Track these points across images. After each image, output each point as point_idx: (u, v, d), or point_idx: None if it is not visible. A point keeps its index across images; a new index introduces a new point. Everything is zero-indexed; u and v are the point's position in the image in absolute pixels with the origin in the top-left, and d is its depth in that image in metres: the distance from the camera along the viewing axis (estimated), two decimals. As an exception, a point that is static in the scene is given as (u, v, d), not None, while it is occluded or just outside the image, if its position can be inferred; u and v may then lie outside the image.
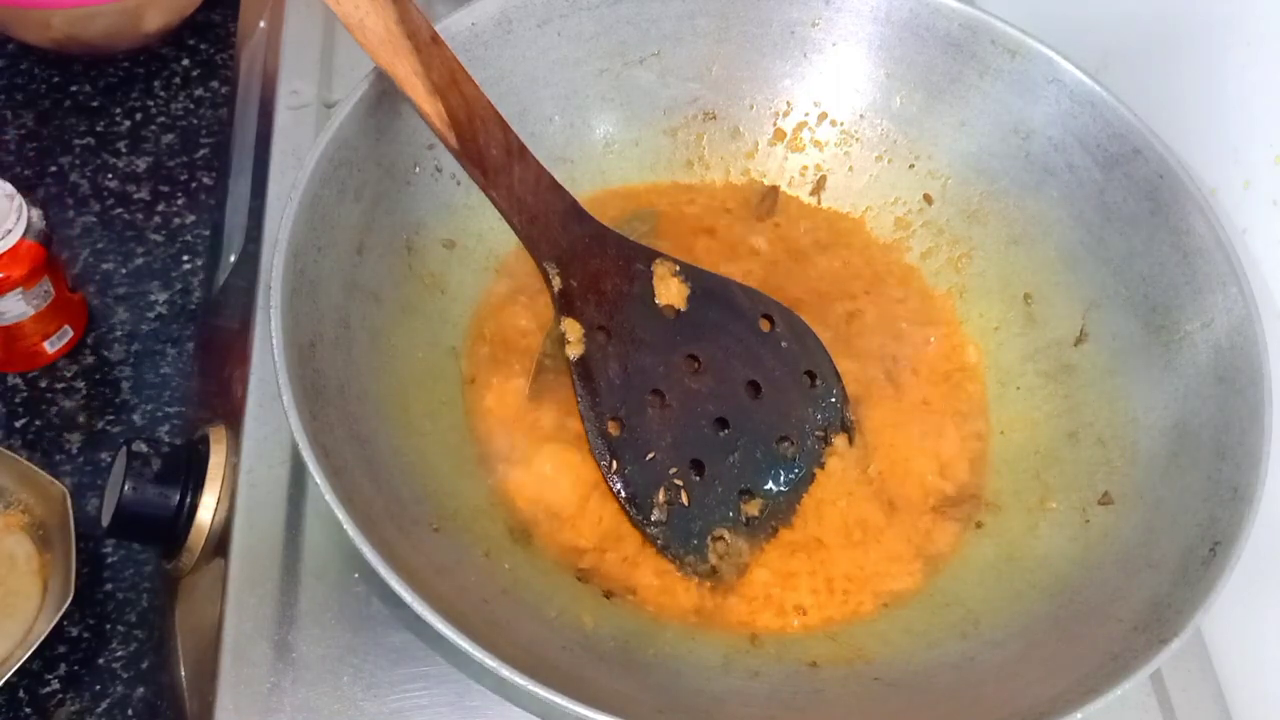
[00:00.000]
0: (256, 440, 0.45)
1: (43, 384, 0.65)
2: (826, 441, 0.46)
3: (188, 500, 0.44)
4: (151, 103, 0.77)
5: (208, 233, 0.71)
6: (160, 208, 0.72)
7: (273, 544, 0.43)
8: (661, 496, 0.44)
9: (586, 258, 0.45)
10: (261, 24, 0.67)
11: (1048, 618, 0.42)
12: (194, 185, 0.74)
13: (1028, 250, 0.51)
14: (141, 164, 0.74)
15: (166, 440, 0.62)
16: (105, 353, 0.66)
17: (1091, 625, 0.40)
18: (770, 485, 0.45)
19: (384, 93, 0.43)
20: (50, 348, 0.64)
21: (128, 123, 0.76)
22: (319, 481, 0.35)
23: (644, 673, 0.39)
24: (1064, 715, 0.35)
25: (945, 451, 0.48)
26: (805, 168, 0.54)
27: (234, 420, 0.46)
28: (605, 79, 0.51)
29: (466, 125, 0.42)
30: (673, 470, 0.44)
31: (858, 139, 0.53)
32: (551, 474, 0.44)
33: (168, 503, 0.44)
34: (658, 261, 0.46)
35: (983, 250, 0.52)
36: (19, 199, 0.58)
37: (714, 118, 0.53)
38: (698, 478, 0.44)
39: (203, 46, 0.80)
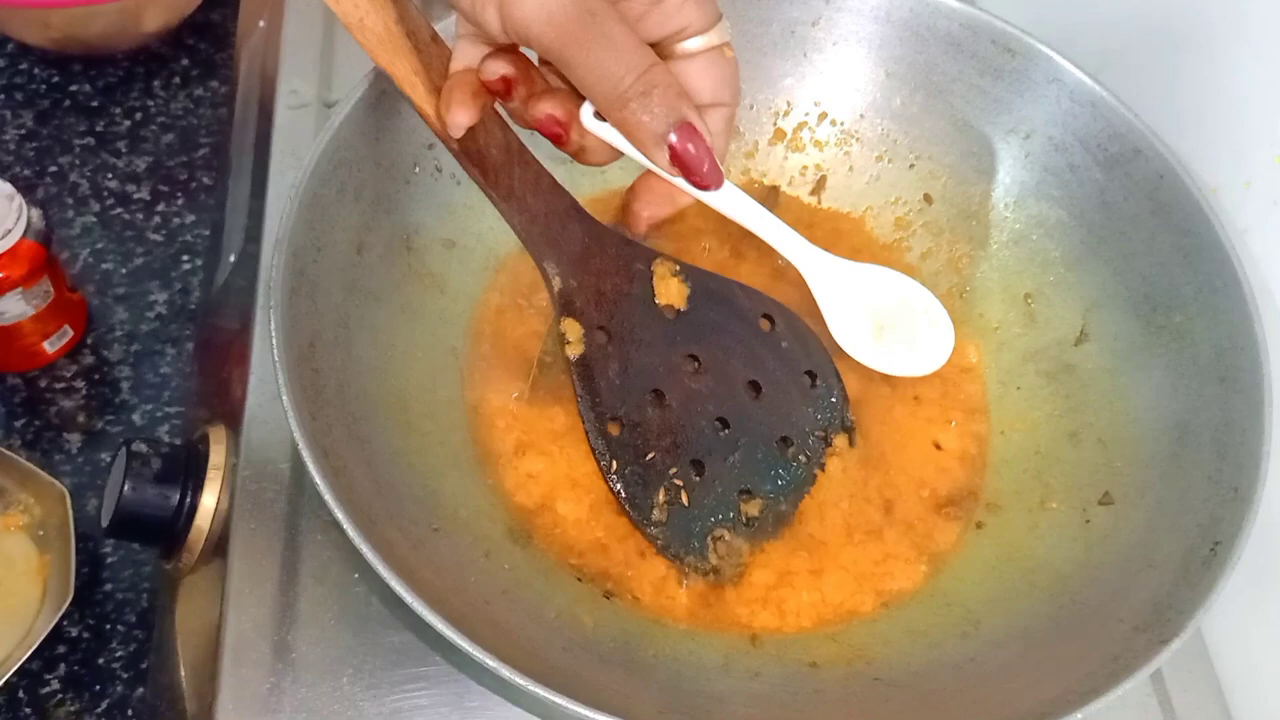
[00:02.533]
0: (256, 440, 0.45)
1: (42, 384, 0.65)
2: (827, 442, 0.46)
3: (187, 500, 0.44)
4: (151, 102, 0.77)
5: (207, 233, 0.71)
6: (160, 208, 0.72)
7: (273, 544, 0.43)
8: (661, 497, 0.44)
9: (586, 258, 0.45)
10: (261, 24, 0.66)
11: (1048, 618, 0.42)
12: (194, 185, 0.74)
13: (1028, 250, 0.51)
14: (141, 164, 0.74)
15: (166, 440, 0.61)
16: (105, 353, 0.66)
17: (1092, 625, 0.40)
18: (770, 486, 0.45)
19: (384, 93, 0.43)
20: (50, 348, 0.64)
21: (127, 122, 0.76)
22: (319, 481, 0.35)
23: (644, 673, 0.39)
24: (1064, 715, 0.35)
25: (946, 452, 0.48)
26: (805, 167, 0.54)
27: (234, 420, 0.46)
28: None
29: (466, 125, 0.42)
30: (673, 470, 0.44)
31: (858, 139, 0.53)
32: (551, 474, 0.44)
33: (167, 503, 0.44)
34: (658, 261, 0.46)
35: (983, 250, 0.52)
36: (19, 199, 0.58)
37: (714, 117, 0.53)
38: (698, 478, 0.44)
39: (202, 46, 0.80)
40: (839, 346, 0.47)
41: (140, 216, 0.72)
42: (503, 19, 0.35)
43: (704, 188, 0.39)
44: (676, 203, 0.42)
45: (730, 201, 0.42)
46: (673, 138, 0.36)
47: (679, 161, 0.37)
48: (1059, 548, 0.44)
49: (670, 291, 0.46)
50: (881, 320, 0.44)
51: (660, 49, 0.37)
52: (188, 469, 0.45)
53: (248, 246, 0.55)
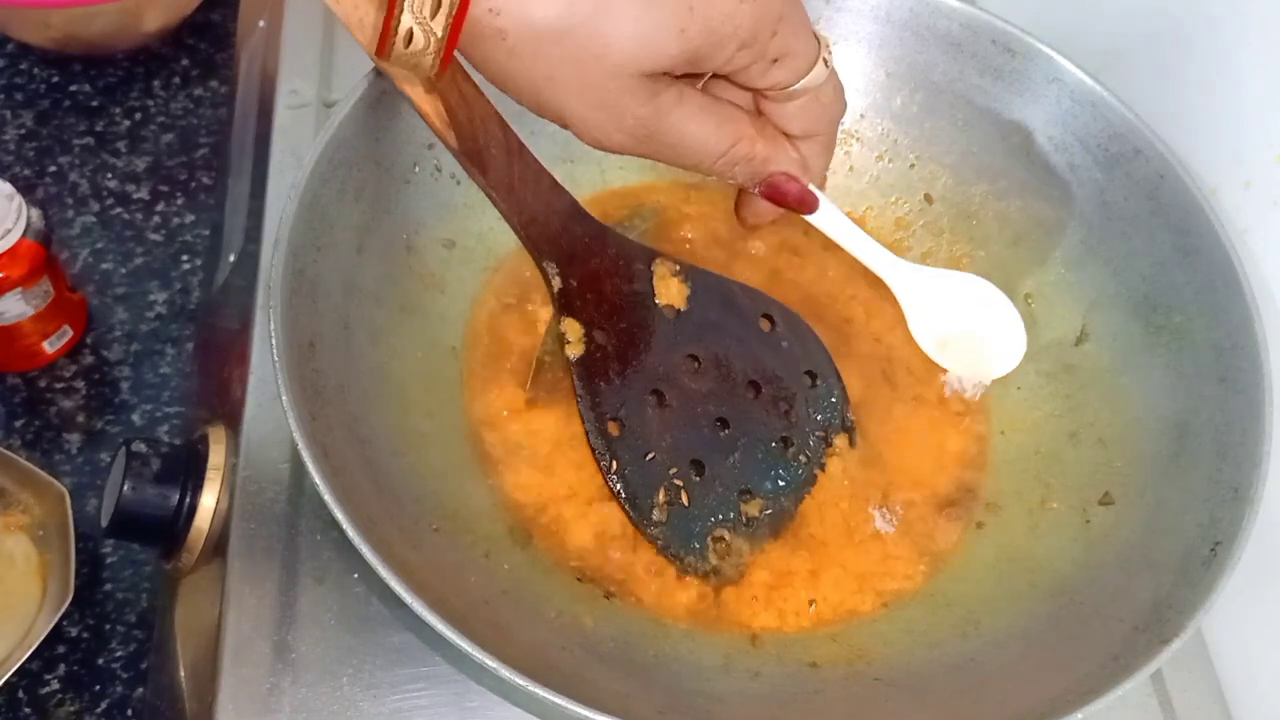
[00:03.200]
0: (256, 440, 0.45)
1: (42, 384, 0.65)
2: (827, 442, 0.46)
3: (187, 500, 0.44)
4: (151, 102, 0.77)
5: (207, 233, 0.71)
6: (160, 208, 0.72)
7: (273, 544, 0.43)
8: (661, 497, 0.44)
9: (586, 257, 0.45)
10: (261, 24, 0.66)
11: (1048, 618, 0.42)
12: (193, 185, 0.74)
13: (1028, 250, 0.51)
14: (141, 164, 0.74)
15: (166, 440, 0.61)
16: (105, 353, 0.66)
17: (1092, 625, 0.40)
18: (770, 486, 0.45)
19: (383, 92, 0.43)
20: (50, 348, 0.64)
21: (127, 122, 0.76)
22: (318, 482, 0.35)
23: (644, 673, 0.39)
24: (1064, 715, 0.35)
25: (946, 452, 0.48)
26: (805, 167, 0.54)
27: (233, 420, 0.46)
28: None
29: (466, 124, 0.41)
30: (673, 470, 0.44)
31: (858, 139, 0.53)
32: (551, 474, 0.44)
33: (167, 503, 0.44)
34: (658, 261, 0.46)
35: (983, 250, 0.52)
36: (19, 199, 0.58)
37: (714, 117, 0.53)
38: (698, 478, 0.44)
39: (202, 46, 0.80)
40: (833, 353, 0.47)
41: (140, 216, 0.72)
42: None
43: (800, 213, 0.43)
44: (776, 211, 0.44)
45: (824, 218, 0.44)
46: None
47: (771, 199, 0.42)
48: (1059, 548, 0.44)
49: (670, 291, 0.46)
50: (961, 324, 0.47)
51: (755, 92, 0.39)
52: (188, 469, 0.45)
53: (248, 246, 0.55)
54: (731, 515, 0.44)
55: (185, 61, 0.79)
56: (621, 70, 0.34)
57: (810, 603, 0.43)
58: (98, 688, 0.56)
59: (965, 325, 0.46)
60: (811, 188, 0.42)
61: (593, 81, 0.34)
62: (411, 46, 0.34)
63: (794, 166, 0.40)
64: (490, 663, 0.33)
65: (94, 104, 0.76)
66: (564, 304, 0.45)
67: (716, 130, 0.38)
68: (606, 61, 0.34)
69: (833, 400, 0.47)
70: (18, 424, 0.63)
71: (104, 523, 0.44)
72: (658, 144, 0.37)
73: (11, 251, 0.58)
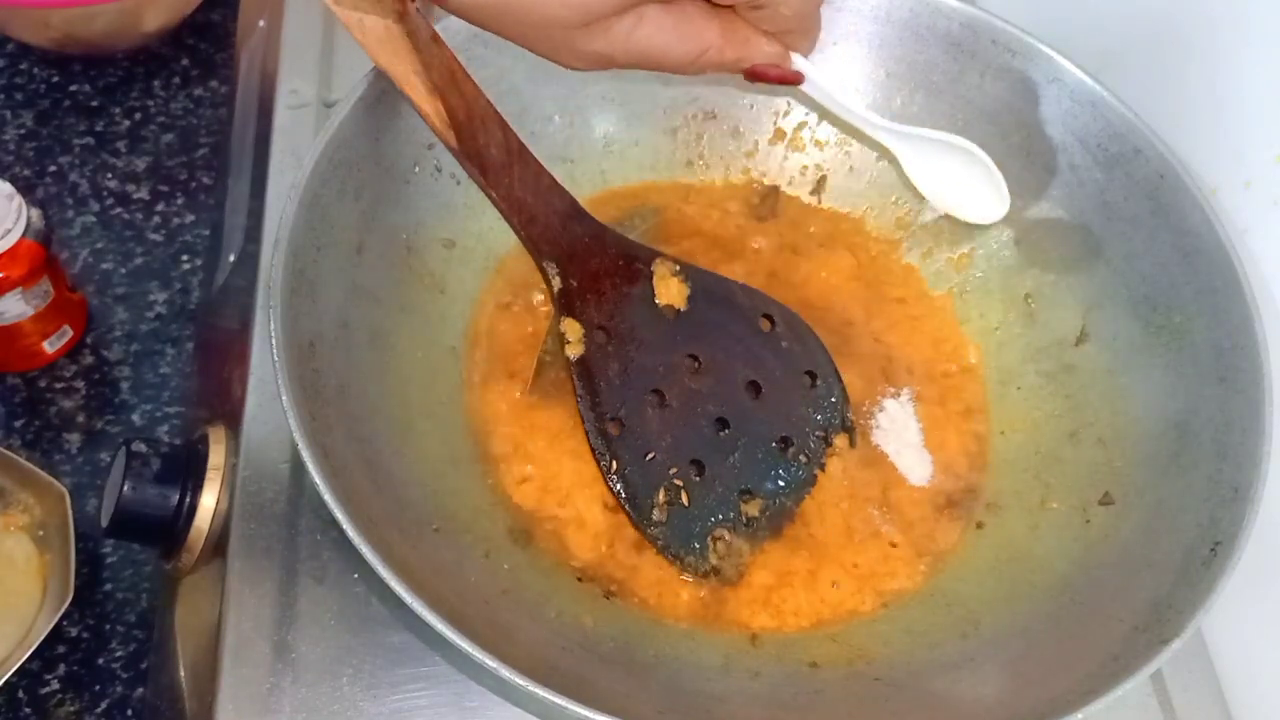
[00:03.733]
0: (256, 440, 0.45)
1: (42, 384, 0.65)
2: (827, 442, 0.46)
3: (187, 500, 0.44)
4: (151, 102, 0.77)
5: (207, 233, 0.71)
6: (160, 207, 0.72)
7: (273, 544, 0.43)
8: (661, 497, 0.44)
9: (586, 257, 0.45)
10: (261, 24, 0.66)
11: (1048, 618, 0.42)
12: (193, 185, 0.74)
13: (1028, 250, 0.51)
14: (141, 164, 0.74)
15: (166, 440, 0.62)
16: (105, 353, 0.66)
17: (1092, 625, 0.40)
18: (770, 486, 0.45)
19: (383, 92, 0.43)
20: (50, 348, 0.64)
21: (127, 122, 0.76)
22: (318, 482, 0.35)
23: (644, 673, 0.39)
24: (1064, 715, 0.35)
25: (946, 452, 0.48)
26: (805, 167, 0.54)
27: (233, 420, 0.46)
28: (605, 78, 0.51)
29: (466, 125, 0.41)
30: (673, 470, 0.44)
31: (858, 138, 0.53)
32: (551, 474, 0.44)
33: (167, 503, 0.44)
34: (658, 261, 0.46)
35: (983, 250, 0.52)
36: (19, 199, 0.58)
37: (714, 117, 0.53)
38: (698, 478, 0.44)
39: (202, 46, 0.80)
40: (833, 353, 0.47)
41: (140, 216, 0.72)
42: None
43: (787, 85, 0.43)
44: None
45: (813, 89, 0.45)
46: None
47: (755, 80, 0.42)
48: (1059, 548, 0.44)
49: (670, 291, 0.46)
50: (952, 176, 0.49)
51: None
52: (187, 469, 0.45)
53: (248, 246, 0.55)
54: (731, 515, 0.44)
55: (185, 61, 0.79)
56: (565, 26, 0.36)
57: (833, 583, 0.43)
58: (98, 688, 0.56)
59: (956, 177, 0.49)
60: (797, 62, 0.42)
61: (543, 34, 0.37)
62: None
63: (771, 59, 0.41)
64: (490, 663, 0.33)
65: (94, 104, 0.76)
66: (564, 304, 0.45)
67: (680, 44, 0.39)
68: (550, 23, 0.36)
69: (833, 400, 0.47)
70: (18, 424, 0.63)
71: (104, 523, 0.44)
72: (624, 63, 0.38)
73: (11, 251, 0.58)
